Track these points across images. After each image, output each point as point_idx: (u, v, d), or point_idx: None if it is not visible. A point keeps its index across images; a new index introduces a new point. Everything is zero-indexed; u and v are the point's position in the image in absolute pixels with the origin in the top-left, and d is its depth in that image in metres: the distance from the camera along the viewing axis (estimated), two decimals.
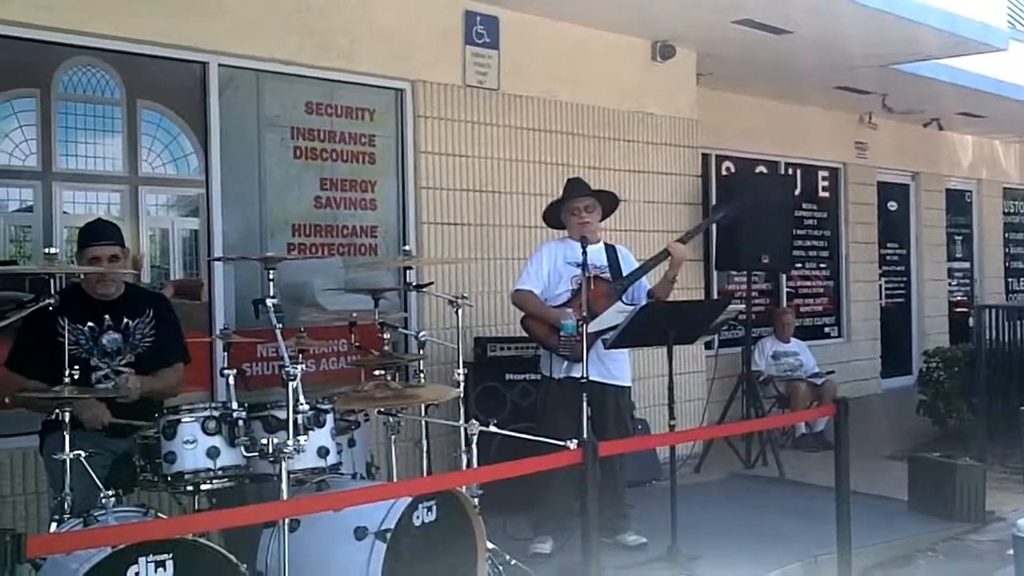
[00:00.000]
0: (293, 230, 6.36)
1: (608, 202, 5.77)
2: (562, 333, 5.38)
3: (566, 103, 7.63)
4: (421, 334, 5.12)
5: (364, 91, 6.67)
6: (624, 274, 5.63)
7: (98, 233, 4.53)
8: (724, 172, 10.22)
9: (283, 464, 3.68)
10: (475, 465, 4.60)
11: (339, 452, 4.12)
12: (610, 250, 5.71)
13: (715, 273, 9.63)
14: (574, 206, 5.64)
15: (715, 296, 9.55)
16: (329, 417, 4.03)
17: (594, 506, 3.96)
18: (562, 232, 5.80)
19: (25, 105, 5.35)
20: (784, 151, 10.86)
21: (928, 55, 9.12)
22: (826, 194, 11.71)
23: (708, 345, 8.63)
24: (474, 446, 4.60)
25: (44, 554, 3.19)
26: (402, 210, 6.84)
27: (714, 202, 9.42)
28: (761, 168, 10.63)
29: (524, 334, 5.88)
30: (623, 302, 5.50)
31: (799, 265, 10.99)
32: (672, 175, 8.40)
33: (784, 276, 10.87)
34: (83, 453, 3.70)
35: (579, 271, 5.38)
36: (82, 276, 4.48)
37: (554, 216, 5.80)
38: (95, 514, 3.59)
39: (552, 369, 5.54)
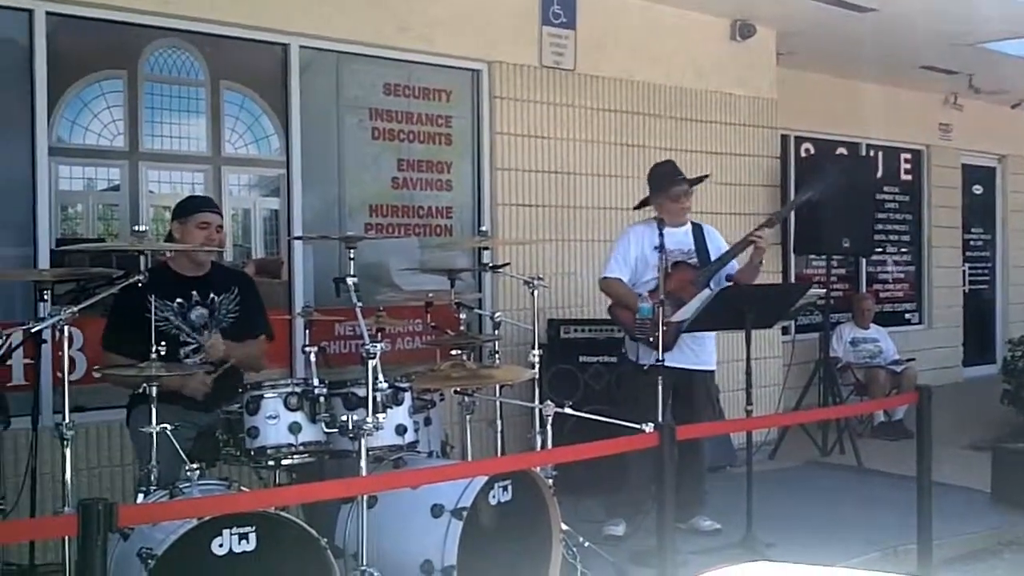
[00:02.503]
0: (370, 210, 6.42)
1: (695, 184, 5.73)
2: (638, 316, 5.34)
3: (643, 83, 7.57)
4: (496, 315, 5.14)
5: (441, 72, 6.70)
6: (712, 255, 5.56)
7: (208, 201, 4.71)
8: (803, 154, 10.05)
9: (362, 441, 3.73)
10: (549, 446, 4.60)
11: (416, 430, 4.16)
12: (697, 230, 5.64)
13: (793, 257, 9.50)
14: (675, 191, 5.56)
15: (792, 280, 9.41)
16: (407, 395, 4.07)
17: (670, 490, 3.95)
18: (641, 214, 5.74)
19: (113, 86, 5.48)
20: (865, 132, 10.63)
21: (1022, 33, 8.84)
22: (908, 177, 11.45)
23: (785, 330, 8.52)
24: (549, 427, 4.61)
25: (134, 523, 3.27)
26: (477, 191, 6.86)
27: (793, 184, 9.28)
28: (841, 150, 10.42)
29: (599, 316, 5.89)
30: (710, 289, 5.44)
31: (879, 250, 10.76)
32: (751, 156, 8.30)
33: (864, 261, 10.66)
34: (169, 426, 3.78)
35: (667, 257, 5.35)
36: (169, 254, 4.57)
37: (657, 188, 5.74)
38: (180, 486, 3.67)
39: (640, 356, 5.48)
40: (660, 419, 4.91)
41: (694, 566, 4.67)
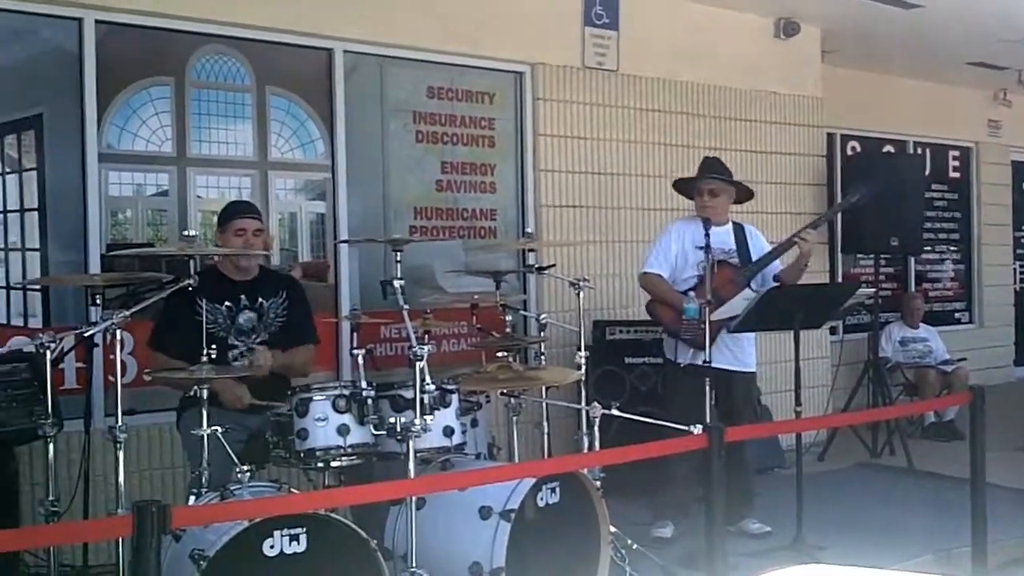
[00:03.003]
0: (415, 213, 6.45)
1: (742, 191, 5.67)
2: (684, 317, 5.30)
3: (686, 83, 7.53)
4: (542, 316, 5.13)
5: (484, 75, 6.71)
6: (753, 256, 5.52)
7: (245, 207, 4.77)
8: (850, 152, 9.93)
9: (410, 443, 3.74)
10: (597, 448, 4.59)
11: (463, 432, 4.17)
12: (738, 230, 5.60)
13: (840, 256, 9.39)
14: (699, 187, 5.57)
15: (839, 280, 9.31)
16: (454, 397, 4.08)
17: (719, 492, 3.91)
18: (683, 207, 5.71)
19: (161, 92, 5.54)
20: (912, 130, 10.50)
21: None
22: (957, 175, 11.28)
23: (833, 331, 8.43)
24: (596, 429, 4.59)
25: (187, 525, 3.31)
26: (521, 193, 6.86)
27: (840, 183, 9.17)
28: (888, 148, 10.30)
29: (644, 317, 5.85)
30: (751, 289, 5.40)
31: (928, 248, 10.61)
32: (796, 155, 8.22)
33: (913, 259, 10.52)
34: (220, 429, 3.81)
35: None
36: (218, 258, 4.62)
37: (684, 187, 5.74)
38: (231, 488, 3.69)
39: (677, 355, 5.46)
40: (707, 420, 4.86)
41: (744, 569, 4.63)
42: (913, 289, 10.41)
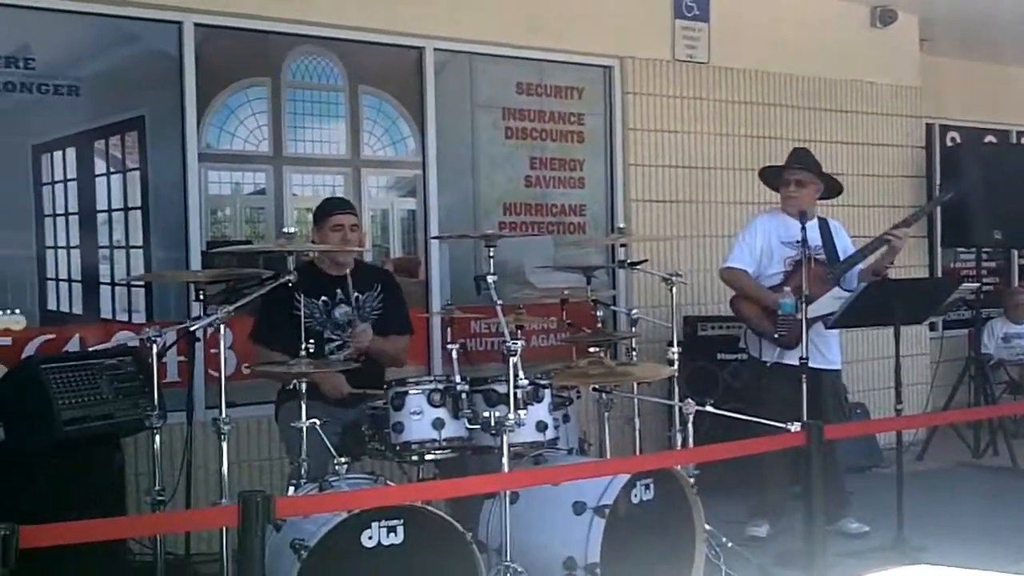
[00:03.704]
0: (504, 209, 6.48)
1: (830, 184, 5.56)
2: (780, 313, 5.20)
3: (779, 74, 7.42)
4: (633, 312, 5.11)
5: (573, 70, 6.71)
6: (839, 252, 5.41)
7: (341, 203, 4.85)
8: (949, 143, 9.66)
9: (504, 437, 3.75)
10: (690, 445, 4.55)
11: (556, 427, 4.17)
12: (823, 225, 5.48)
13: (939, 250, 9.15)
14: (785, 177, 5.47)
15: (939, 275, 9.07)
16: (547, 392, 4.09)
17: (817, 491, 3.85)
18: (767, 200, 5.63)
19: (257, 93, 5.66)
20: (1015, 119, 10.16)
21: None
22: None
23: (932, 327, 8.22)
24: (690, 426, 4.55)
25: (289, 515, 3.38)
26: (610, 188, 6.85)
27: (938, 175, 8.94)
28: (990, 138, 9.99)
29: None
30: (840, 287, 5.29)
31: None
32: (893, 147, 8.04)
33: (1016, 253, 10.18)
34: (318, 421, 3.87)
35: (793, 252, 5.22)
36: (314, 254, 4.70)
37: (770, 177, 5.65)
38: (329, 480, 3.75)
39: (762, 352, 5.38)
40: (802, 418, 4.78)
41: (842, 569, 4.56)
42: (1017, 284, 10.08)
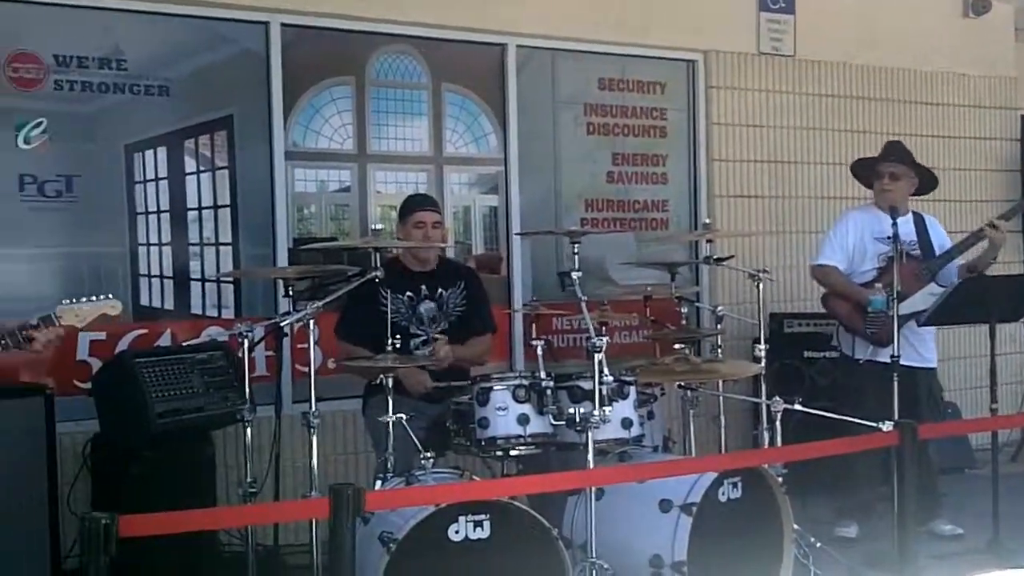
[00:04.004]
0: (586, 205, 6.46)
1: (926, 179, 5.43)
2: (870, 310, 5.10)
3: (867, 67, 7.27)
4: (719, 308, 5.04)
5: (656, 64, 6.67)
6: (935, 247, 5.28)
7: (424, 199, 4.89)
8: None
9: (589, 434, 3.74)
10: (778, 443, 4.48)
11: (641, 424, 4.15)
12: (918, 220, 5.36)
13: None
14: (879, 171, 5.36)
15: None
16: (632, 389, 4.07)
17: (910, 491, 3.78)
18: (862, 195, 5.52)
19: (342, 92, 5.73)
20: None
21: None
22: None
23: None
24: (778, 424, 4.49)
25: (378, 508, 3.41)
26: (693, 183, 6.79)
27: None
28: None
29: (824, 310, 5.68)
30: (936, 283, 5.16)
31: None
32: (986, 140, 7.81)
33: None
34: (404, 416, 3.90)
35: (886, 248, 5.11)
36: (398, 251, 4.74)
37: (863, 171, 5.54)
38: (415, 474, 3.78)
39: (855, 350, 5.28)
40: (894, 417, 4.68)
41: (934, 571, 4.47)
42: None
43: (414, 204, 4.81)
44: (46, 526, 4.43)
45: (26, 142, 4.96)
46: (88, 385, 4.81)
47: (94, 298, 3.31)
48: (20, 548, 4.31)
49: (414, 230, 4.65)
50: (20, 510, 4.30)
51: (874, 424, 3.96)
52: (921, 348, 5.28)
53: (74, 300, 3.27)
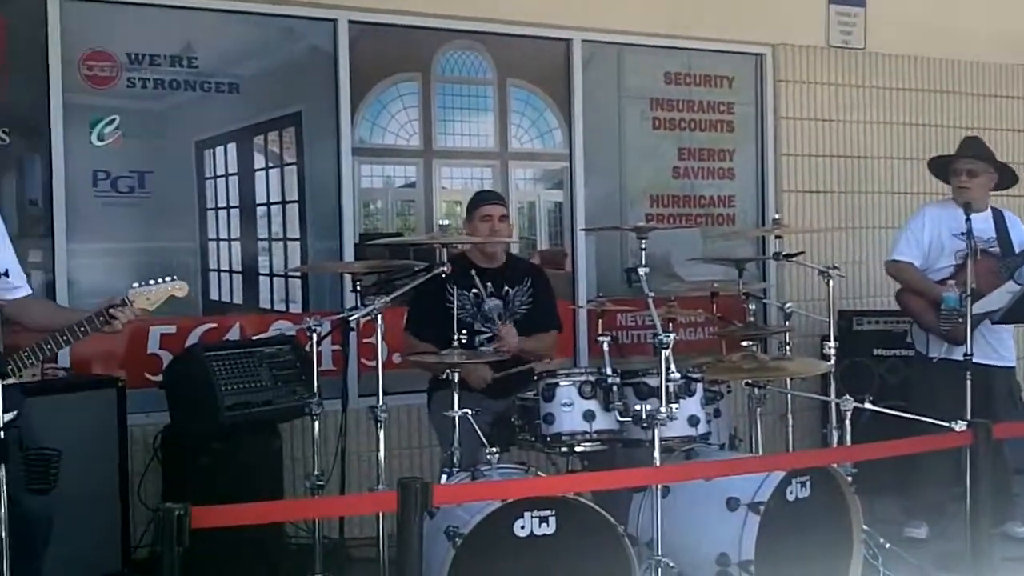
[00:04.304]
0: (651, 200, 6.43)
1: (1005, 175, 5.31)
2: (943, 307, 5.00)
3: (940, 59, 7.12)
4: (787, 305, 4.98)
5: (723, 58, 6.61)
6: (1015, 245, 5.15)
7: (490, 195, 4.92)
8: None
9: (656, 430, 3.72)
10: (848, 442, 4.42)
11: (708, 422, 4.11)
12: (998, 217, 5.24)
13: None
14: (956, 167, 5.25)
15: None
16: (699, 386, 4.03)
17: (984, 492, 3.70)
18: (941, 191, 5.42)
19: (408, 88, 5.76)
20: None
21: None
22: None
23: None
24: (847, 423, 4.42)
25: (445, 503, 3.42)
26: (761, 178, 6.72)
27: None
28: None
29: (894, 307, 5.59)
30: (1015, 281, 5.04)
31: None
32: None
33: None
34: (469, 411, 3.91)
35: (964, 245, 5.00)
36: (465, 246, 4.75)
37: (939, 168, 5.44)
38: (481, 469, 3.79)
39: (929, 348, 5.19)
40: (967, 416, 4.58)
41: (1007, 573, 4.38)
42: None
43: (481, 199, 4.83)
44: (117, 517, 4.53)
45: (100, 139, 5.06)
46: (159, 378, 4.90)
47: (163, 280, 3.43)
48: (93, 538, 4.41)
49: (481, 224, 4.67)
50: (93, 500, 4.40)
51: (947, 424, 3.89)
52: (999, 347, 5.18)
53: (143, 283, 3.40)
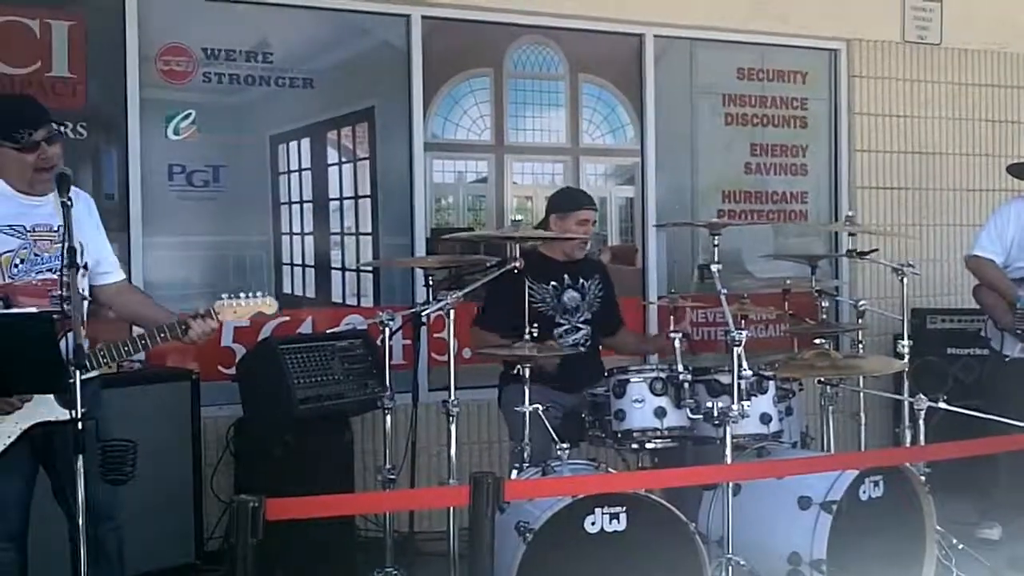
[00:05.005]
0: (723, 196, 6.38)
1: None
2: (1019, 307, 4.91)
3: (1017, 55, 6.98)
4: (860, 303, 4.91)
5: (796, 53, 6.55)
6: None
7: (588, 198, 4.86)
8: None
9: (727, 428, 3.70)
10: (921, 442, 4.35)
11: (780, 420, 4.08)
12: None
13: None
14: None
15: None
16: (771, 384, 4.01)
17: None
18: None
19: (480, 83, 5.79)
20: None
21: None
22: None
23: None
24: (921, 422, 4.36)
25: (517, 498, 3.40)
26: (834, 175, 6.64)
27: None
28: None
29: (968, 306, 5.50)
30: None
31: None
32: None
33: None
34: (540, 406, 3.91)
35: None
36: (540, 241, 4.75)
37: (1020, 170, 5.32)
38: (551, 464, 3.80)
39: (1004, 346, 5.09)
40: None
41: None
42: None
43: (578, 202, 4.76)
44: (190, 508, 4.61)
45: (175, 133, 5.15)
46: (232, 371, 4.96)
47: (252, 295, 3.36)
48: (166, 529, 4.49)
49: (577, 227, 4.65)
50: (167, 492, 4.48)
51: (1021, 424, 3.82)
52: None
53: (232, 296, 3.33)
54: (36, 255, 3.32)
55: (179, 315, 3.41)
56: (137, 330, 3.61)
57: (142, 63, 5.03)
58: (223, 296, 3.34)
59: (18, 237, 3.31)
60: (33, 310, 3.21)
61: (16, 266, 3.30)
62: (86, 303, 3.41)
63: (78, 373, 2.92)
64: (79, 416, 2.90)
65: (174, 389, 4.60)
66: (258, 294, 3.36)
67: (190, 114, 5.16)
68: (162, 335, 3.30)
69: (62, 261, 3.06)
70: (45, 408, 3.20)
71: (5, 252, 3.29)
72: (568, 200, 4.81)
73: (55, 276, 3.28)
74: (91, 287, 3.50)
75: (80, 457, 2.91)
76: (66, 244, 3.04)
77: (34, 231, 3.34)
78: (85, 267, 3.35)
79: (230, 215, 5.29)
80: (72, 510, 3.24)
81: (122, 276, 3.67)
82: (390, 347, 4.20)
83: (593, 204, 4.84)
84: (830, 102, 6.61)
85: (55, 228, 3.34)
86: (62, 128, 3.39)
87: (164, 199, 5.11)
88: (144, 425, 4.35)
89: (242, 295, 3.34)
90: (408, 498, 3.89)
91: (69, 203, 3.13)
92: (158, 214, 5.08)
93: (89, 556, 3.14)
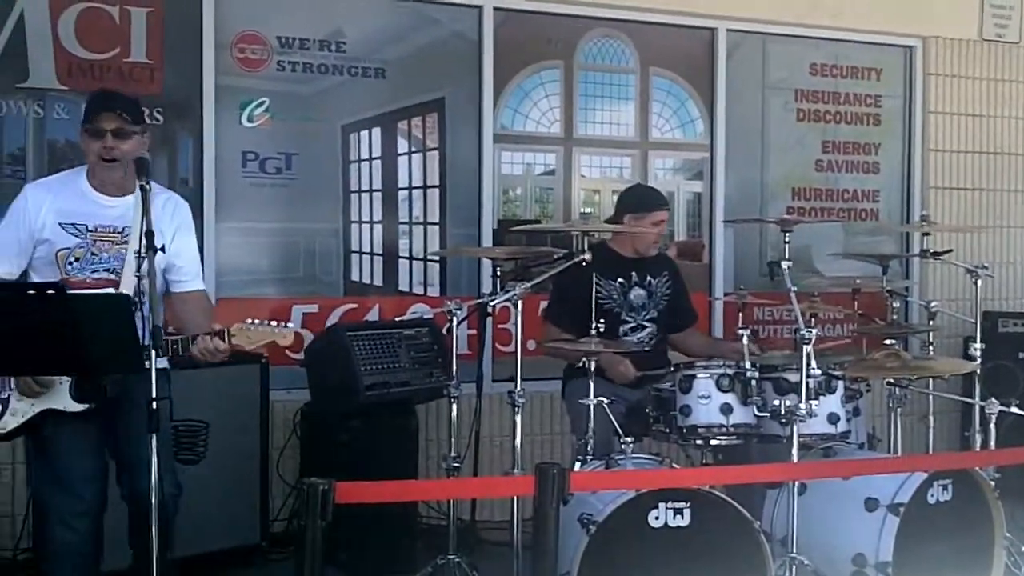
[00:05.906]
0: (792, 193, 6.32)
1: None
2: None
3: None
4: (932, 304, 4.84)
5: (871, 50, 6.45)
6: None
7: (663, 198, 4.80)
8: None
9: (794, 427, 3.67)
10: (992, 446, 4.27)
11: (847, 420, 4.03)
12: None
13: None
14: None
15: None
16: (840, 384, 3.96)
17: None
18: None
19: (550, 76, 5.79)
20: None
21: None
22: None
23: None
24: (991, 426, 4.28)
25: (582, 489, 3.43)
26: (907, 174, 6.54)
27: None
28: None
29: None
30: None
31: None
32: None
33: None
34: (605, 400, 3.92)
35: None
36: (606, 234, 4.74)
37: None
38: (615, 458, 3.80)
39: None
40: None
41: None
42: None
43: (655, 202, 4.71)
44: (257, 490, 4.67)
45: (249, 120, 5.23)
46: (300, 356, 4.98)
47: (270, 323, 3.27)
48: (234, 510, 4.57)
49: (653, 227, 4.63)
50: (235, 473, 4.56)
51: None
52: None
53: (252, 322, 3.25)
54: (94, 254, 3.37)
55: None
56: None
57: (218, 50, 5.11)
58: (247, 320, 3.26)
59: (77, 236, 3.36)
60: (111, 291, 3.28)
61: (71, 263, 3.35)
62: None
63: (154, 354, 2.97)
64: (154, 396, 2.96)
65: (244, 372, 4.65)
66: (276, 322, 3.27)
67: (264, 102, 5.23)
68: (174, 345, 3.25)
69: (140, 244, 3.09)
70: (59, 398, 3.27)
71: (61, 249, 3.35)
72: (645, 200, 4.75)
73: (112, 276, 3.34)
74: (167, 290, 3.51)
75: (153, 436, 2.96)
76: (143, 228, 3.08)
77: (96, 231, 3.38)
78: (162, 249, 3.33)
79: (301, 203, 5.35)
80: (130, 492, 3.34)
81: (198, 286, 3.61)
82: (456, 336, 4.22)
83: (667, 204, 4.83)
84: (904, 100, 6.51)
85: (119, 229, 3.38)
86: (135, 129, 3.38)
87: (237, 185, 5.19)
88: (215, 407, 4.46)
89: (262, 322, 3.25)
90: (476, 486, 3.92)
91: (148, 187, 3.19)
92: (231, 200, 5.16)
93: (132, 525, 3.23)
